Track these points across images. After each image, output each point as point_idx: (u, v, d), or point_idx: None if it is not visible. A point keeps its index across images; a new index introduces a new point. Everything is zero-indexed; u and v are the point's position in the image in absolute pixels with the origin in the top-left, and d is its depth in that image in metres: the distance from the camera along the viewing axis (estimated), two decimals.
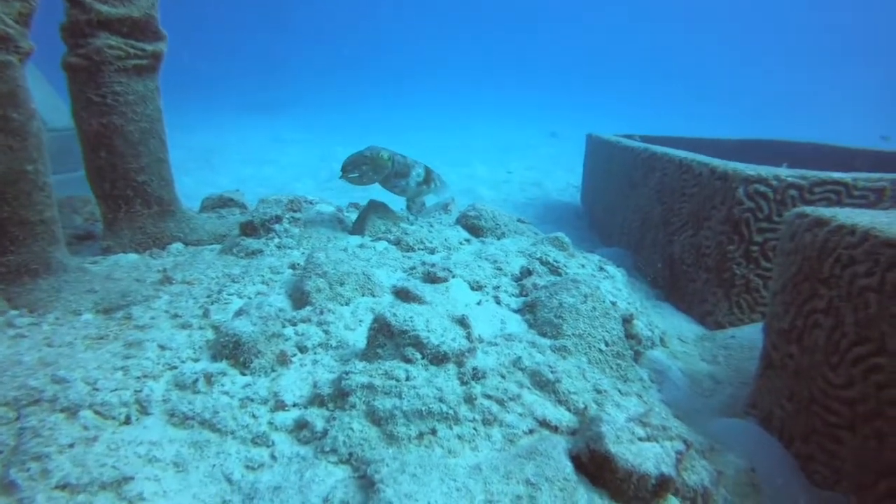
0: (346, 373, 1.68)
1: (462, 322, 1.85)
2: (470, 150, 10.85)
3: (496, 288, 2.62)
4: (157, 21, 2.84)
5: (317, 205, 3.68)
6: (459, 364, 1.74)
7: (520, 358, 1.85)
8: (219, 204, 3.56)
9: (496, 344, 1.95)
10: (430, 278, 2.56)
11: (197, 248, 3.05)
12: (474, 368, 1.73)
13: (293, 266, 2.63)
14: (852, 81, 29.47)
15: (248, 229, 2.90)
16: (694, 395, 2.65)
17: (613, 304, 2.71)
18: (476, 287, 2.61)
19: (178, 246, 3.03)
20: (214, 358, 1.82)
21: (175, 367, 1.75)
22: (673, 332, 3.15)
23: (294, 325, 2.09)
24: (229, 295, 2.27)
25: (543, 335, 2.31)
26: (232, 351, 1.79)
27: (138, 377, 1.65)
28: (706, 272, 3.27)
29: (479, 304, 2.49)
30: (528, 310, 2.46)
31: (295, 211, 2.99)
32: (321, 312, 2.14)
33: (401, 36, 44.06)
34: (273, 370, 1.83)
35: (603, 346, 2.32)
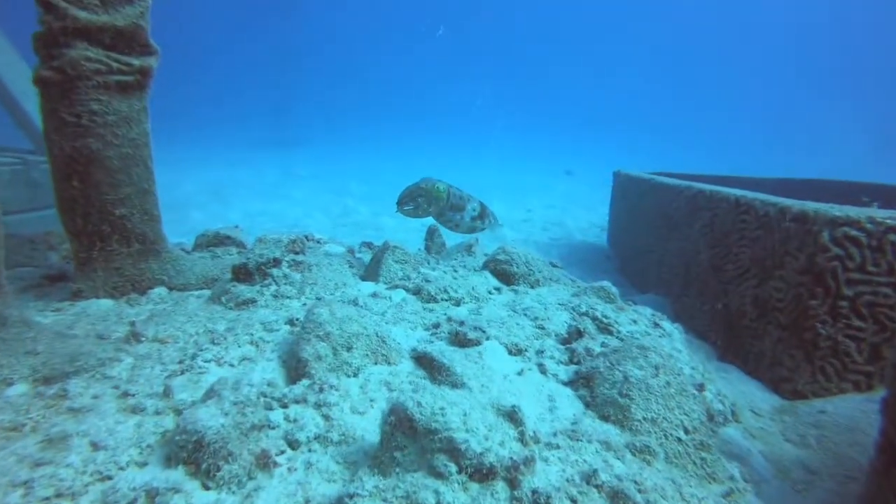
0: (350, 496, 1.13)
1: (512, 416, 1.30)
2: (485, 188, 10.41)
3: (540, 353, 2.07)
4: (146, 32, 2.40)
5: (325, 244, 3.18)
6: (512, 483, 1.19)
7: (595, 470, 1.28)
8: (214, 242, 3.05)
9: (557, 446, 1.38)
10: (459, 340, 2.01)
11: (183, 293, 2.54)
12: (534, 491, 1.17)
13: (291, 322, 2.10)
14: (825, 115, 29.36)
15: (241, 274, 2.38)
16: (785, 490, 2.05)
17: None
18: (515, 351, 2.06)
19: (160, 291, 2.52)
20: (168, 462, 1.27)
21: (108, 478, 1.21)
22: (743, 402, 2.56)
23: (285, 406, 1.54)
24: (206, 361, 1.74)
25: (605, 419, 1.74)
26: (192, 454, 1.24)
27: (45, 499, 1.11)
28: (779, 330, 2.70)
29: (520, 374, 1.93)
30: (583, 383, 1.90)
31: (297, 252, 2.47)
32: (321, 389, 1.60)
33: (412, 78, 44.66)
34: (250, 478, 1.28)
35: (682, 435, 1.75)
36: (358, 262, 3.04)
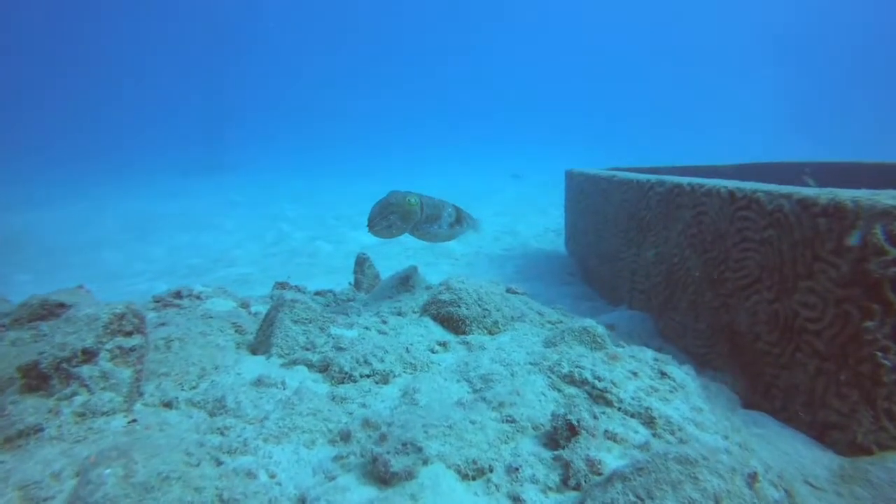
0: None
1: None
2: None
3: (512, 471, 1.22)
4: None
5: (207, 300, 2.24)
6: None
7: None
8: (39, 313, 2.05)
9: None
10: (378, 473, 1.14)
11: None
12: None
13: None
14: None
15: (33, 378, 1.44)
16: None
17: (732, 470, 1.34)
18: (473, 474, 1.20)
19: None
20: None
21: None
22: (792, 469, 1.79)
23: None
24: None
25: None
26: None
27: None
28: (816, 359, 1.96)
29: None
30: None
31: (129, 333, 1.54)
32: None
33: (349, 89, 43.59)
34: None
35: None
36: (254, 320, 2.13)
